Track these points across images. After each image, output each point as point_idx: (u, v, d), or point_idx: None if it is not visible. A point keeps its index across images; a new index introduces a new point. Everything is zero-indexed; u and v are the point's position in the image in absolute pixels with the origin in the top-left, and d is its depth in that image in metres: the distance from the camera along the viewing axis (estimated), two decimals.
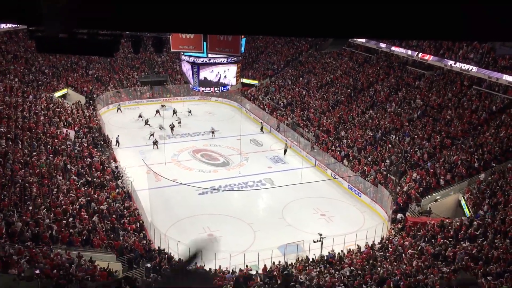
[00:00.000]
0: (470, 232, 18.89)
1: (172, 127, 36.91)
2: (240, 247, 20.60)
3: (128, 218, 20.99)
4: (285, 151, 33.73)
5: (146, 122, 37.95)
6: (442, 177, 24.40)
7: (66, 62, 44.54)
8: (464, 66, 29.87)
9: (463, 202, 23.02)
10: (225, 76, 20.90)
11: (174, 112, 40.26)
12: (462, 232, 19.14)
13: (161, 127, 35.65)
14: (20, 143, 24.95)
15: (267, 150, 34.52)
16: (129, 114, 41.10)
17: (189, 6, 2.49)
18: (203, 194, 26.70)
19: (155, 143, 33.55)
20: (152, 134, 34.38)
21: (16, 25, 36.57)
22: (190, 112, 41.52)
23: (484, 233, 18.53)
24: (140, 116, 39.33)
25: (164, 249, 19.79)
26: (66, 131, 29.81)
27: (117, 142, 33.21)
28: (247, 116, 42.05)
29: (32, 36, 7.22)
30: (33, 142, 25.64)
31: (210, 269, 18.34)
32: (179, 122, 38.41)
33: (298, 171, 28.59)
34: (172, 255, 19.55)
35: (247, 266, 18.78)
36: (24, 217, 17.56)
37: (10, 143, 24.18)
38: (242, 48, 18.89)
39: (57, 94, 39.31)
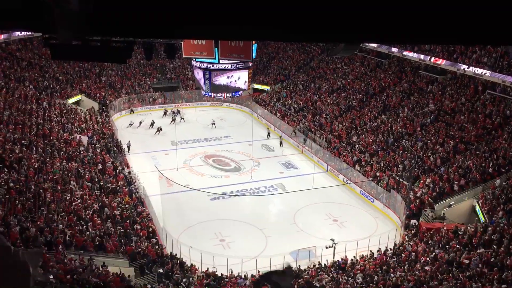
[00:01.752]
0: (485, 238, 18.64)
1: (173, 118, 40.64)
2: (252, 253, 20.57)
3: (140, 224, 21.09)
4: (281, 143, 36.10)
5: (152, 123, 39.34)
6: (456, 182, 24.11)
7: (80, 69, 45.07)
8: (477, 71, 29.56)
9: (477, 208, 22.72)
10: (237, 81, 20.96)
11: (177, 112, 42.74)
12: (476, 238, 18.89)
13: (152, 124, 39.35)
14: (34, 149, 25.25)
15: (279, 156, 34.47)
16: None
17: (202, 13, 2.51)
18: (215, 200, 26.74)
19: (159, 129, 37.49)
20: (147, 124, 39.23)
21: (30, 33, 37.12)
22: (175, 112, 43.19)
23: (499, 239, 18.28)
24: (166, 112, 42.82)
25: (176, 255, 19.85)
26: (80, 137, 30.10)
27: (128, 147, 33.43)
28: (259, 121, 42.06)
29: (47, 43, 7.32)
30: (47, 148, 25.93)
31: (222, 274, 18.36)
32: (166, 123, 39.77)
33: (310, 177, 28.48)
34: (184, 260, 19.60)
35: (259, 271, 18.72)
36: (38, 223, 17.74)
37: (25, 149, 24.50)
38: (254, 54, 18.95)
39: (71, 100, 39.80)
